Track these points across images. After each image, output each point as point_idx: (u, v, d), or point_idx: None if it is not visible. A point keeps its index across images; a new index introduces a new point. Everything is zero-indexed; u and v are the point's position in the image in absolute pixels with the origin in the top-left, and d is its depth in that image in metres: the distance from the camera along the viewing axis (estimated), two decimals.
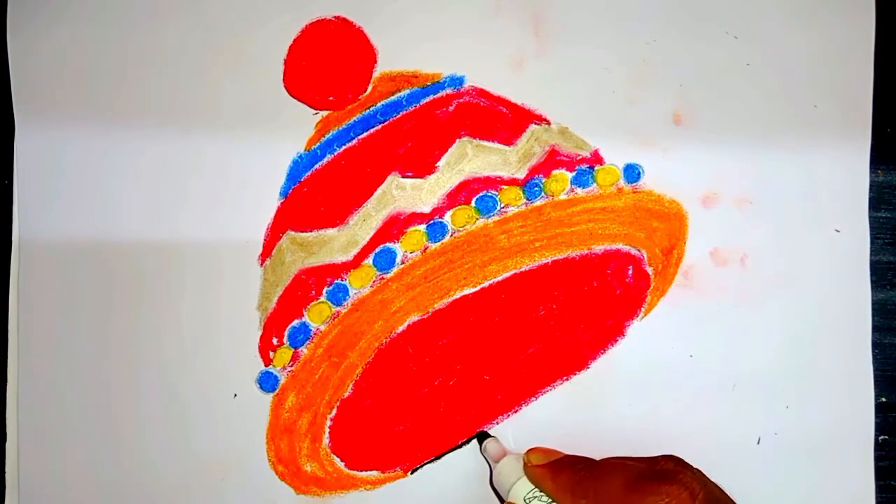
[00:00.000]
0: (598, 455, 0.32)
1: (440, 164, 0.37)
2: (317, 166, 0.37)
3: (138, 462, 0.37)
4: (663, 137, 0.37)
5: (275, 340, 0.37)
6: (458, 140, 0.37)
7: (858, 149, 0.37)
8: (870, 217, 0.38)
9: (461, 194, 0.37)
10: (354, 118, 0.37)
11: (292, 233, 0.37)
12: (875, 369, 0.37)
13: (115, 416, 0.37)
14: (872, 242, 0.38)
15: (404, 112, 0.37)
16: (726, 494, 0.30)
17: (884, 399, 0.38)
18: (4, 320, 0.37)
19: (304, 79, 0.37)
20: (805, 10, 0.38)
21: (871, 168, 0.38)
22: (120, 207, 0.37)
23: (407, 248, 0.37)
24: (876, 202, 0.38)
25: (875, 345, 0.37)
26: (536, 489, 0.33)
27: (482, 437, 0.36)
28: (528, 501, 0.32)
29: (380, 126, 0.37)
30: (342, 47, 0.37)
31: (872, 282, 0.37)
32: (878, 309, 0.38)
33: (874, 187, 0.38)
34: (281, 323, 0.37)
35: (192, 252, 0.37)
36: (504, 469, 0.34)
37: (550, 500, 0.32)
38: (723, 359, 0.37)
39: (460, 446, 0.37)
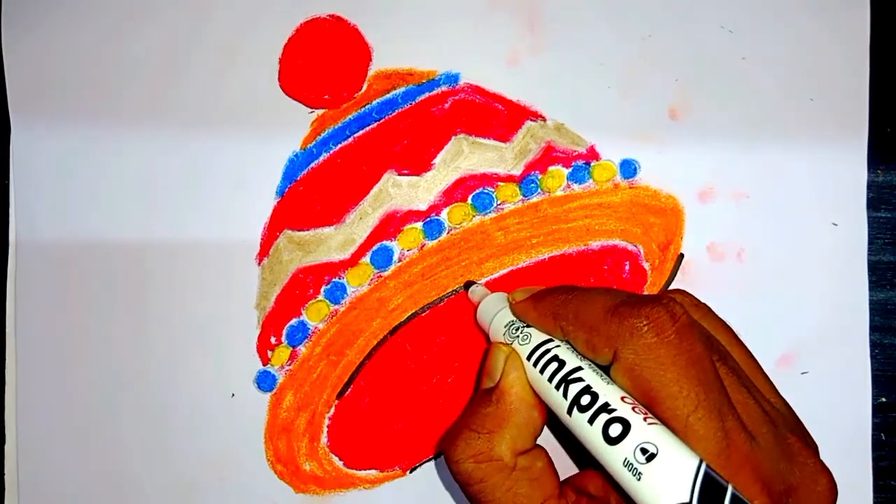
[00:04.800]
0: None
1: (436, 161, 0.37)
2: (313, 165, 0.37)
3: (137, 462, 0.37)
4: (659, 133, 0.37)
5: (273, 339, 0.37)
6: (453, 137, 0.37)
7: (856, 142, 0.37)
8: (870, 217, 0.37)
9: (457, 191, 0.37)
10: (350, 116, 0.37)
11: (289, 232, 0.37)
12: (874, 369, 0.37)
13: (114, 416, 0.37)
14: (872, 242, 0.37)
15: (400, 110, 0.37)
16: (727, 327, 0.29)
17: (883, 399, 0.37)
18: (2, 321, 0.37)
19: (300, 77, 0.37)
20: (800, 3, 0.38)
21: (871, 168, 0.37)
22: (116, 207, 0.37)
23: (404, 245, 0.37)
24: (876, 202, 0.38)
25: (874, 345, 0.37)
26: (517, 321, 0.30)
27: (468, 284, 0.36)
28: (508, 329, 0.30)
29: (375, 124, 0.37)
30: (337, 45, 0.37)
31: (872, 282, 0.37)
32: (878, 309, 0.38)
33: (874, 187, 0.38)
34: (279, 322, 0.37)
35: (189, 252, 0.37)
36: (486, 305, 0.33)
37: (529, 327, 0.30)
38: None
39: None
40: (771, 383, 0.29)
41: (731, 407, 0.24)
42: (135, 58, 0.38)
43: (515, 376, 0.29)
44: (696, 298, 0.30)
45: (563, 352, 0.28)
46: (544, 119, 0.37)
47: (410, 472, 0.37)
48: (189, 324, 0.37)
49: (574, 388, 0.26)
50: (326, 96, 0.37)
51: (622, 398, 0.25)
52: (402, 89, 0.37)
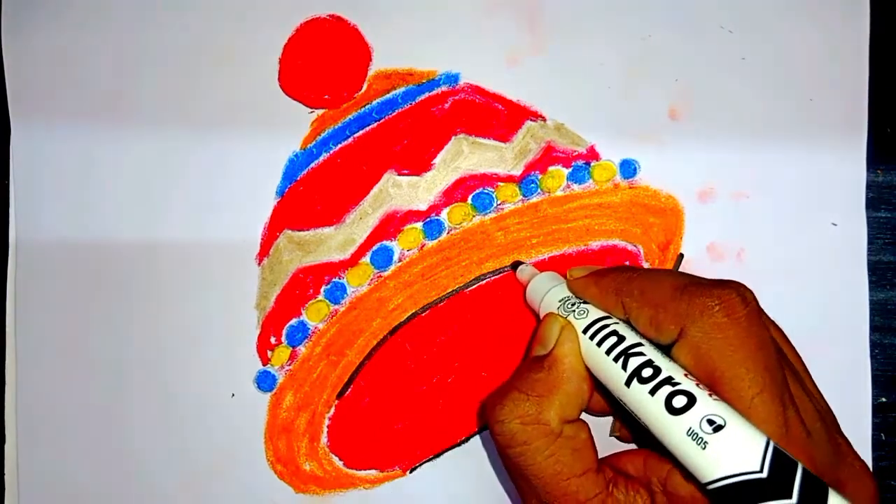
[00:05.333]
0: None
1: (436, 161, 0.37)
2: (313, 165, 0.37)
3: (137, 462, 0.37)
4: (659, 133, 0.37)
5: (273, 339, 0.37)
6: (453, 137, 0.37)
7: (855, 142, 0.37)
8: (870, 217, 0.37)
9: (457, 191, 0.37)
10: (350, 116, 0.37)
11: (289, 232, 0.37)
12: (874, 369, 0.37)
13: (114, 417, 0.37)
14: (872, 242, 0.37)
15: (400, 110, 0.37)
16: (777, 325, 0.30)
17: (883, 399, 0.37)
18: (2, 321, 0.37)
19: (300, 77, 0.37)
20: (799, 3, 0.38)
21: (871, 168, 0.37)
22: (116, 208, 0.37)
23: (404, 245, 0.37)
24: (876, 202, 0.38)
25: (874, 345, 0.37)
26: (573, 297, 0.31)
27: (516, 265, 0.36)
28: (563, 304, 0.31)
29: (375, 124, 0.37)
30: (337, 46, 0.37)
31: (872, 282, 0.37)
32: (878, 309, 0.38)
33: (874, 187, 0.38)
34: (279, 322, 0.37)
35: (189, 252, 0.37)
36: (538, 282, 0.33)
37: (585, 303, 0.30)
38: None
39: (460, 444, 0.37)
40: (816, 385, 0.29)
41: (791, 397, 0.25)
42: (135, 59, 0.38)
43: (570, 346, 0.29)
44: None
45: (622, 328, 0.28)
46: (544, 119, 0.37)
47: (410, 472, 0.37)
48: (189, 324, 0.37)
49: (635, 361, 0.26)
50: (326, 96, 0.37)
51: (685, 374, 0.25)
52: (402, 89, 0.37)
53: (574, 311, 0.30)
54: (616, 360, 0.27)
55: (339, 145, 0.37)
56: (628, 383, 0.26)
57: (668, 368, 0.25)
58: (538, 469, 0.27)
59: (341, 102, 0.37)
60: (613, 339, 0.27)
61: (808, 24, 0.37)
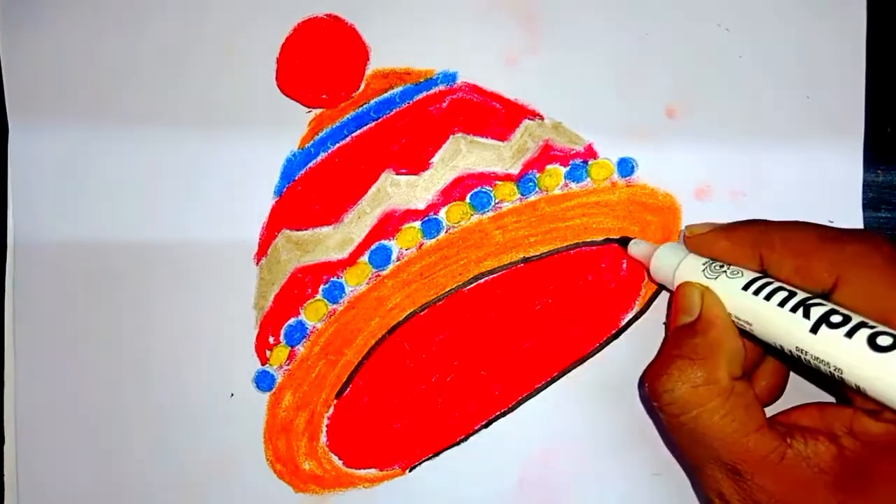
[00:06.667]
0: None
1: (434, 160, 0.37)
2: (311, 164, 0.37)
3: (136, 462, 0.37)
4: (657, 131, 0.37)
5: (271, 339, 0.37)
6: (451, 136, 0.37)
7: (852, 140, 0.37)
8: (870, 217, 0.37)
9: (455, 190, 0.37)
10: (348, 116, 0.37)
11: (287, 231, 0.37)
12: None
13: (113, 417, 0.37)
14: None
15: (397, 109, 0.37)
16: None
17: None
18: (1, 322, 0.37)
19: (297, 77, 0.37)
20: (797, 1, 0.38)
21: (871, 168, 0.37)
22: (114, 208, 0.37)
23: (402, 244, 0.37)
24: (876, 202, 0.38)
25: None
26: (709, 259, 0.31)
27: (624, 241, 0.36)
28: (707, 267, 0.31)
29: (373, 123, 0.37)
30: (334, 45, 0.37)
31: None
32: None
33: (874, 187, 0.37)
34: (277, 321, 0.37)
35: (187, 251, 0.37)
36: (664, 255, 0.33)
37: (726, 268, 0.30)
38: None
39: (459, 443, 0.37)
40: None
41: None
42: (133, 58, 0.38)
43: (719, 307, 0.29)
44: None
45: (782, 283, 0.28)
46: (542, 118, 0.37)
47: (410, 471, 0.37)
48: (187, 324, 0.37)
49: (818, 310, 0.26)
50: (324, 96, 0.37)
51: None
52: (400, 88, 0.37)
53: (725, 271, 0.30)
54: (794, 309, 0.27)
55: (337, 145, 0.37)
56: (815, 330, 0.26)
57: (854, 314, 0.26)
58: (717, 429, 0.27)
59: (339, 102, 0.37)
60: (784, 293, 0.28)
61: (805, 22, 0.37)
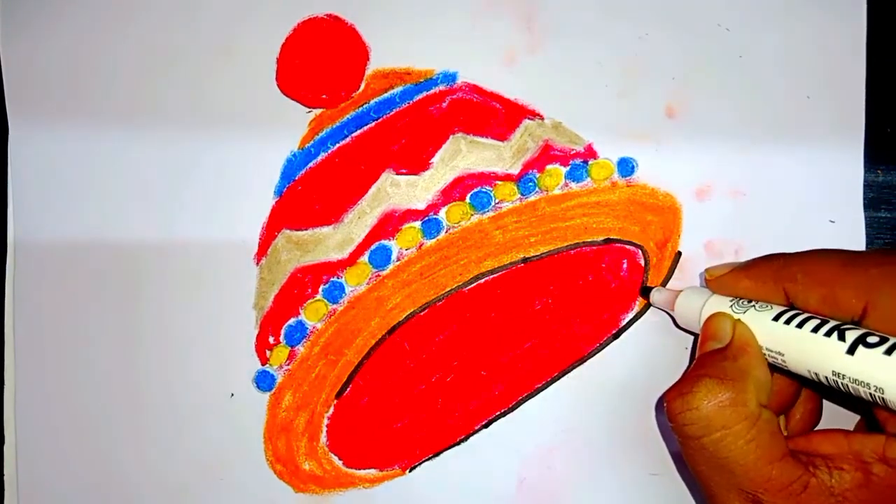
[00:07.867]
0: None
1: (434, 160, 0.37)
2: (311, 164, 0.37)
3: (136, 462, 0.37)
4: (657, 131, 0.37)
5: (271, 339, 0.37)
6: (451, 136, 0.37)
7: (852, 139, 0.37)
8: (870, 217, 0.37)
9: (455, 190, 0.37)
10: (348, 116, 0.37)
11: (287, 231, 0.37)
12: None
13: (113, 417, 0.37)
14: (872, 242, 0.37)
15: (398, 109, 0.37)
16: None
17: None
18: (1, 322, 0.37)
19: (297, 77, 0.37)
20: (797, 0, 0.38)
21: (871, 168, 0.37)
22: (115, 208, 0.37)
23: (402, 244, 0.37)
24: (876, 202, 0.38)
25: None
26: (734, 298, 0.31)
27: (646, 291, 0.36)
28: (734, 304, 0.30)
29: (373, 123, 0.37)
30: (334, 45, 0.37)
31: None
32: None
33: (874, 187, 0.37)
34: (277, 322, 0.37)
35: (187, 252, 0.37)
36: (688, 298, 0.33)
37: (754, 302, 0.30)
38: None
39: (459, 443, 0.37)
40: None
41: None
42: (133, 58, 0.38)
43: (750, 336, 0.29)
44: None
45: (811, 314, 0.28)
46: (542, 118, 0.37)
47: (410, 471, 0.37)
48: (188, 324, 0.37)
49: (854, 333, 0.26)
50: (324, 96, 0.37)
51: None
52: (400, 88, 0.37)
53: (753, 305, 0.30)
54: (828, 335, 0.26)
55: (337, 145, 0.37)
56: (851, 351, 0.25)
57: (889, 336, 0.25)
58: (740, 454, 0.26)
59: (339, 102, 0.37)
60: (816, 321, 0.27)
61: (805, 21, 0.37)
